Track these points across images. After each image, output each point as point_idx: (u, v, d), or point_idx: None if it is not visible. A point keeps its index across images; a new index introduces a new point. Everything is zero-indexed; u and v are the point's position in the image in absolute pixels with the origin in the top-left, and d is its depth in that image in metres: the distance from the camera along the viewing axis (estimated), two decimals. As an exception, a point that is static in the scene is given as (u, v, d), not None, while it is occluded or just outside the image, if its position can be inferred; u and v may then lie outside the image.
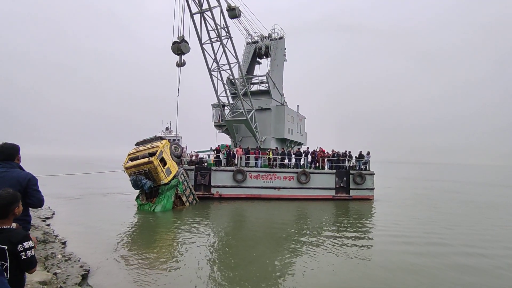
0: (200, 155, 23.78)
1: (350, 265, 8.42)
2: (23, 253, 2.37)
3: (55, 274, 6.62)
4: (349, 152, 23.28)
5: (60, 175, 26.55)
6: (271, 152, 22.15)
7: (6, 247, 2.28)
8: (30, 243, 2.45)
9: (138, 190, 17.14)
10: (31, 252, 2.44)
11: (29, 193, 3.29)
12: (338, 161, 22.62)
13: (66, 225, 12.43)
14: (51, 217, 13.77)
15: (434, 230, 12.85)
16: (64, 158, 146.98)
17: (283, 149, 24.04)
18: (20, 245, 2.36)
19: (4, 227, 2.41)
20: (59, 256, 8.05)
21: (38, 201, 3.38)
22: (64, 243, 9.66)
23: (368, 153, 23.15)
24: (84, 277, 6.99)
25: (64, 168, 47.64)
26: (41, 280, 5.55)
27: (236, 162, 21.59)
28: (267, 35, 28.73)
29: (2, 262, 2.23)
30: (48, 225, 12.19)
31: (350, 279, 7.43)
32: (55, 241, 9.76)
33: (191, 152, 23.82)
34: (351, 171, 22.01)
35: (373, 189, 22.15)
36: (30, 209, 3.44)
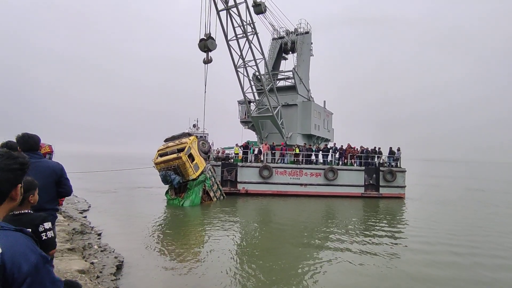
0: (226, 152, 24.03)
1: (369, 273, 7.65)
2: (44, 233, 2.43)
3: (92, 263, 6.96)
4: (379, 148, 22.59)
5: (96, 171, 27.86)
6: (297, 148, 21.93)
7: (30, 230, 2.35)
8: (50, 224, 2.52)
9: (168, 185, 17.63)
10: (51, 233, 2.51)
11: (62, 182, 3.44)
12: (367, 157, 22.04)
13: (101, 217, 13.04)
14: (88, 210, 14.48)
15: (471, 238, 11.30)
16: (96, 155, 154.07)
17: (310, 145, 23.74)
18: (41, 225, 2.43)
19: (23, 211, 2.41)
20: (95, 247, 8.45)
21: (70, 189, 3.56)
22: (99, 234, 10.13)
23: (399, 149, 22.35)
24: (119, 267, 7.28)
25: (98, 165, 49.97)
26: (80, 268, 5.85)
27: (262, 158, 21.62)
28: (293, 30, 28.37)
29: None
30: (85, 217, 12.82)
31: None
32: (91, 232, 10.26)
33: (218, 148, 24.14)
34: (381, 168, 21.37)
35: (405, 187, 21.36)
36: (67, 202, 3.61)
